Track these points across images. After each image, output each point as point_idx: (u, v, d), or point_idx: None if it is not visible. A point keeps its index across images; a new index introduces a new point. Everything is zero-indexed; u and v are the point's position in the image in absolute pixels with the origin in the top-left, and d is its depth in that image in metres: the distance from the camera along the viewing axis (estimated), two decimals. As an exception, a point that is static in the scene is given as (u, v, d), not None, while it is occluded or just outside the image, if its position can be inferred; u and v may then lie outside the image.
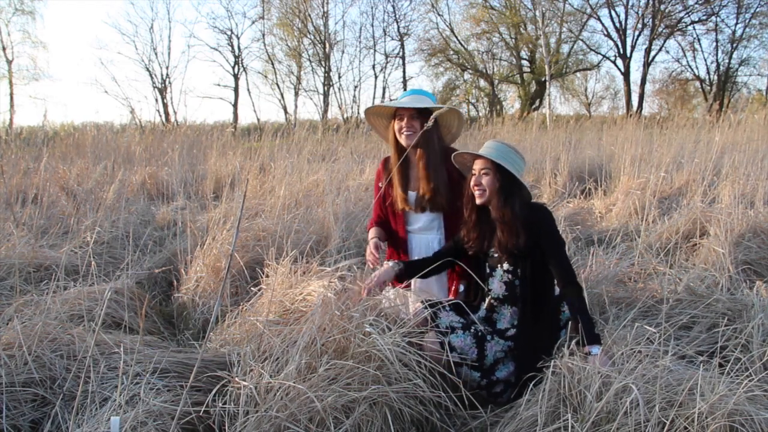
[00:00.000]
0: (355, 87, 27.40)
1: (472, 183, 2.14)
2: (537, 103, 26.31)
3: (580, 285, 2.06)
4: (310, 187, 4.50)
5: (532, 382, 1.86)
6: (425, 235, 2.49)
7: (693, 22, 24.10)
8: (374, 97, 26.92)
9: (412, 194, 2.45)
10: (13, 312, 2.28)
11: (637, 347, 1.77)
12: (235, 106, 26.89)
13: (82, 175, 5.67)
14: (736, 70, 24.67)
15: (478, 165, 2.13)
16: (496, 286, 2.17)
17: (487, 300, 2.21)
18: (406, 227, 2.52)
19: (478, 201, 2.14)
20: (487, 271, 2.22)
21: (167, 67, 26.22)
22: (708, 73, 25.06)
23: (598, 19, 24.74)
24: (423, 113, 2.35)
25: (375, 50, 26.98)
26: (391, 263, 2.26)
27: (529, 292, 2.10)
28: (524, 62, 27.11)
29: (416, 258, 2.44)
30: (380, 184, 2.53)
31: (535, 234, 2.08)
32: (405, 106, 2.35)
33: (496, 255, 2.18)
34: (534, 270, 2.10)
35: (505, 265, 2.15)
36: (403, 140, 2.38)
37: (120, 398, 1.66)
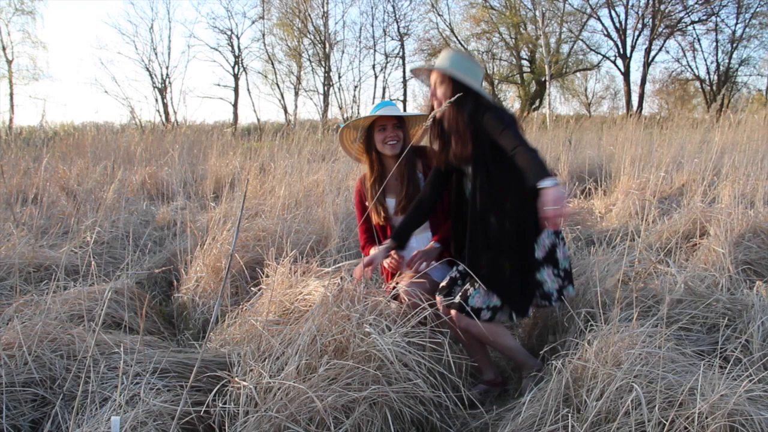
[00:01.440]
0: (355, 87, 27.51)
1: (430, 95, 2.17)
2: (537, 103, 26.31)
3: (533, 147, 1.96)
4: (310, 187, 4.49)
5: (533, 382, 1.86)
6: (420, 235, 2.51)
7: (693, 22, 24.12)
8: (374, 97, 26.95)
9: (390, 201, 2.51)
10: (13, 312, 2.28)
11: (637, 347, 1.77)
12: (235, 106, 26.91)
13: (82, 175, 5.67)
14: (736, 70, 24.68)
15: (433, 77, 2.16)
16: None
17: None
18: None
19: (437, 115, 2.15)
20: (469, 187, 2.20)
21: (167, 67, 26.28)
22: (708, 73, 25.11)
23: (598, 19, 24.78)
24: (402, 122, 2.47)
25: (375, 50, 27.07)
26: (379, 247, 2.30)
27: (481, 201, 2.07)
28: (524, 62, 27.12)
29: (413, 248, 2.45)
30: (367, 203, 2.57)
31: (484, 133, 2.03)
32: (386, 114, 2.42)
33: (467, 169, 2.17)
34: (490, 180, 2.06)
35: (470, 175, 2.13)
36: (387, 150, 2.45)
37: (120, 398, 1.66)
